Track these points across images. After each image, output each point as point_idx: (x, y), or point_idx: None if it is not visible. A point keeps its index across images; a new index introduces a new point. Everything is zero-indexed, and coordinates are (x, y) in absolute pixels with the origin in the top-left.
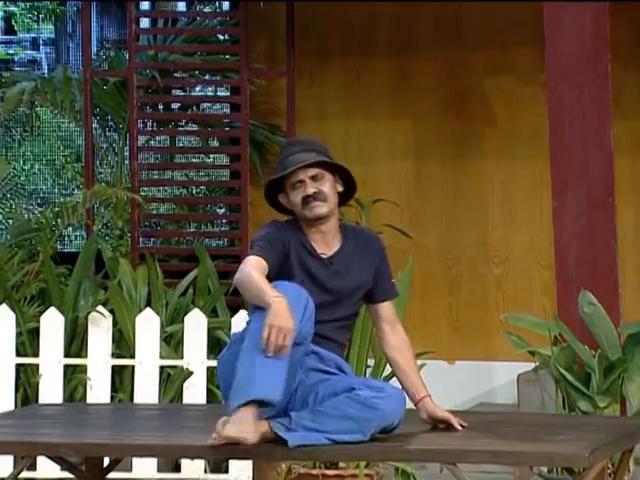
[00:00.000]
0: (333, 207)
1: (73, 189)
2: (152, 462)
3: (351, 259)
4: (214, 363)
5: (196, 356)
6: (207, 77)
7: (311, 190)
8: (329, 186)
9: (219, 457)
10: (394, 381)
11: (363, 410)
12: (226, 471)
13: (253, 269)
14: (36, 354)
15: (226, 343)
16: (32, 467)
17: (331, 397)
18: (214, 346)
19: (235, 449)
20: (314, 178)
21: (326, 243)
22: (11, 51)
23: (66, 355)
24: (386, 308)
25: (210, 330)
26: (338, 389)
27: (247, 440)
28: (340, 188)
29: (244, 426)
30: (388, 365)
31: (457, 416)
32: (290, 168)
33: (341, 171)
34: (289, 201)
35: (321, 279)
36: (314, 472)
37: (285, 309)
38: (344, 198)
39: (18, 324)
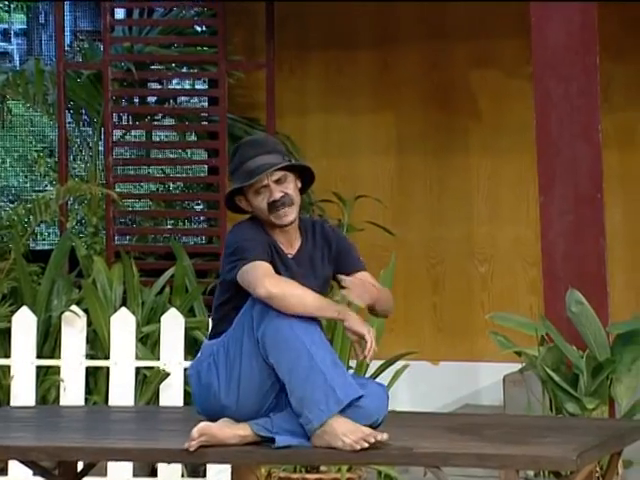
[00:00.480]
0: (299, 208)
1: (46, 185)
2: (128, 466)
3: (312, 258)
4: None
5: (173, 357)
6: (184, 69)
7: (278, 195)
8: (293, 187)
9: (196, 461)
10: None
11: (345, 409)
12: (204, 475)
13: (286, 280)
14: (7, 355)
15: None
16: (3, 472)
17: None
18: (191, 346)
19: (213, 452)
20: (278, 181)
21: (289, 242)
22: None
23: (39, 356)
24: (365, 277)
25: (187, 330)
26: None
27: (378, 436)
28: (299, 184)
29: (358, 432)
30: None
31: (441, 418)
32: (258, 175)
33: (304, 169)
34: (250, 205)
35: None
36: (294, 476)
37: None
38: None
39: None
